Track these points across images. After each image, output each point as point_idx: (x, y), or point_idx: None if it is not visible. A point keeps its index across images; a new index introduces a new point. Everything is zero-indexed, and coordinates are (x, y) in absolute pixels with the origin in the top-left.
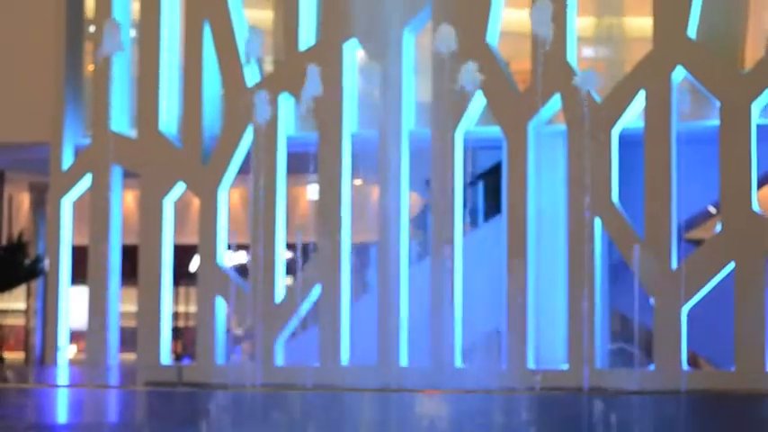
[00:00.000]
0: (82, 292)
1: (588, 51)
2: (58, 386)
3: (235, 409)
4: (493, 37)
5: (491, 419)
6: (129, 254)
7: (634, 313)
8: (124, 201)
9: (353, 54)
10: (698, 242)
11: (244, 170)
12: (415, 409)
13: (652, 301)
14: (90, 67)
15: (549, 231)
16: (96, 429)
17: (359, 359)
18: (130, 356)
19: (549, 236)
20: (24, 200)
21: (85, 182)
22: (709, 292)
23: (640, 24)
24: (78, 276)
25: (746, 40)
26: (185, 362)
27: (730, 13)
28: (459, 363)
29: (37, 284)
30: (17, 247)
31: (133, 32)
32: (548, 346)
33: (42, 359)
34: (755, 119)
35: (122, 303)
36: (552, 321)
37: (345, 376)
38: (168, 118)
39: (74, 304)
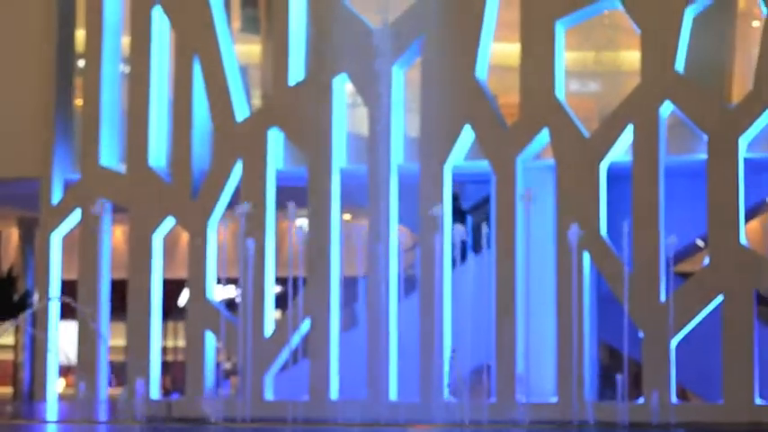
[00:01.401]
0: (71, 327)
1: (575, 85)
2: (47, 422)
3: None
4: (482, 71)
5: None
6: (118, 288)
7: (623, 346)
8: (113, 235)
9: (343, 89)
10: (686, 275)
11: (233, 205)
12: None
13: (641, 333)
14: (79, 102)
15: (538, 265)
16: None
17: (348, 393)
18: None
19: (537, 269)
20: (13, 234)
21: (75, 217)
22: (698, 325)
23: (628, 58)
24: (67, 311)
25: (733, 74)
26: (174, 397)
27: (716, 47)
28: (447, 396)
29: (26, 319)
30: (7, 282)
31: (123, 67)
32: (537, 379)
33: (31, 394)
34: (743, 153)
35: (112, 338)
36: (541, 354)
37: (335, 410)
38: (157, 153)
39: (63, 339)
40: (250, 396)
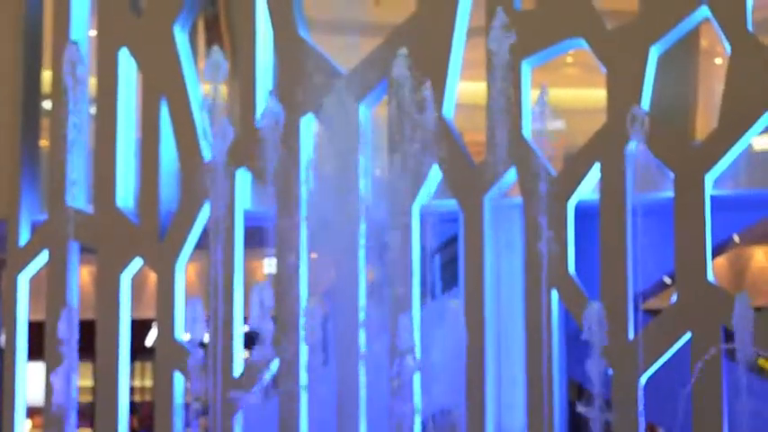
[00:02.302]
0: (37, 368)
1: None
2: None
3: None
4: (449, 110)
5: None
6: (86, 329)
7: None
8: (80, 276)
9: (310, 128)
10: (654, 312)
11: (201, 245)
12: None
13: (609, 371)
14: (45, 143)
15: (506, 302)
16: None
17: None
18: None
19: (506, 306)
20: None
21: (42, 258)
22: (666, 362)
23: (594, 96)
24: (34, 352)
25: (696, 111)
26: None
27: (679, 84)
28: None
29: None
30: None
31: (90, 108)
32: (507, 414)
33: None
34: (709, 190)
35: (80, 379)
36: (512, 390)
37: None
38: (125, 193)
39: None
40: None
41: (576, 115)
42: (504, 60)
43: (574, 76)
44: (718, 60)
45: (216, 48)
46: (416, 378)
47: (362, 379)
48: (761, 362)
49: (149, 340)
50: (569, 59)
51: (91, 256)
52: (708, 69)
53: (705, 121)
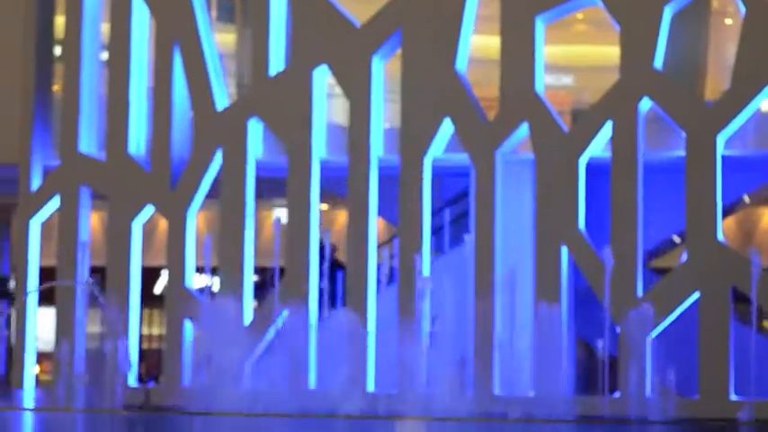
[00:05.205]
0: (49, 314)
1: (551, 79)
2: (24, 409)
3: None
4: (462, 64)
5: None
6: (97, 275)
7: (600, 341)
8: (91, 222)
9: (323, 80)
10: (663, 271)
11: (212, 194)
12: None
13: (618, 329)
14: (58, 89)
15: (516, 258)
16: None
17: (327, 384)
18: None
19: (516, 263)
20: None
21: (54, 203)
22: (674, 321)
23: (607, 53)
24: (45, 298)
25: (707, 71)
26: (150, 385)
27: (692, 44)
28: (425, 389)
29: (1, 306)
30: None
31: (103, 55)
32: (515, 373)
33: (7, 381)
34: (721, 150)
35: (88, 325)
36: (520, 348)
37: (312, 401)
38: (137, 141)
39: (40, 325)
40: (229, 385)
41: (585, 72)
42: (518, 16)
43: (584, 33)
44: (729, 21)
45: None
46: (425, 327)
47: (372, 327)
48: (765, 324)
49: (158, 288)
50: (580, 16)
51: (102, 203)
52: (718, 30)
53: (714, 81)
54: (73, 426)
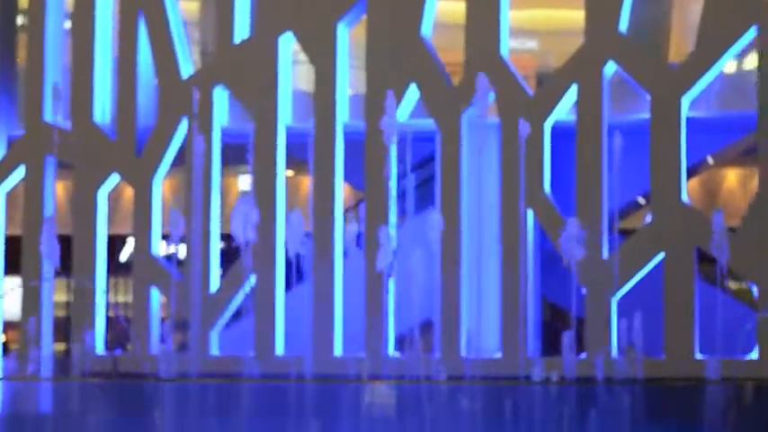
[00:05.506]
0: (13, 283)
1: (515, 43)
2: None
3: (178, 400)
4: (427, 29)
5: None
6: (62, 245)
7: (566, 302)
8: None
9: (288, 47)
10: (629, 232)
11: (178, 162)
12: (348, 398)
13: (583, 290)
14: (22, 59)
15: (481, 222)
16: (34, 421)
17: (294, 349)
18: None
19: (482, 226)
20: None
21: (19, 173)
22: (639, 281)
23: (572, 17)
24: (10, 267)
25: (671, 33)
26: (117, 352)
27: (656, 6)
28: (392, 352)
29: None
30: None
31: (67, 23)
32: (481, 335)
33: None
34: (685, 112)
35: (55, 294)
36: (486, 311)
37: (281, 366)
38: (102, 109)
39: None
40: (197, 352)
41: (550, 36)
42: None
43: None
44: None
45: None
46: (391, 291)
47: (339, 293)
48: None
49: (123, 256)
50: None
51: (67, 172)
52: None
53: (678, 43)
54: (43, 394)
